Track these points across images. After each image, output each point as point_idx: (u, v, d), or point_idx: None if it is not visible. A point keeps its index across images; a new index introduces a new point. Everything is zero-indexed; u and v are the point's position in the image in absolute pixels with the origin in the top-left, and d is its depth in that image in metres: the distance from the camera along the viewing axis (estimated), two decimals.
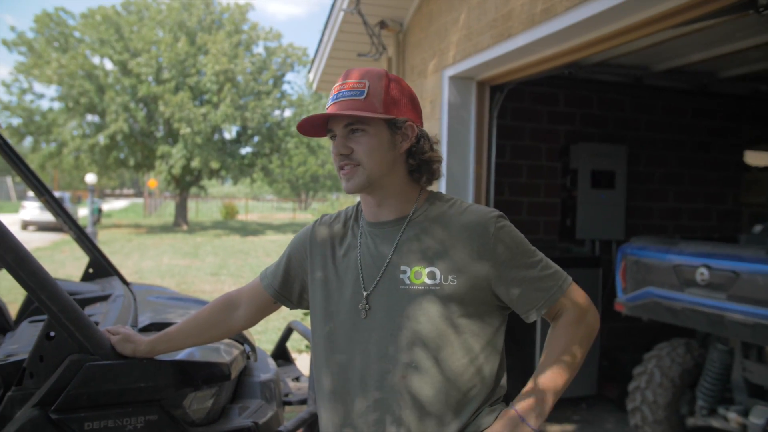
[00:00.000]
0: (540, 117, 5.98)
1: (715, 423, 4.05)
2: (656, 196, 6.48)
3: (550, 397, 1.50)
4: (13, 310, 3.26)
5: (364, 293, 1.57)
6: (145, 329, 2.28)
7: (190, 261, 16.29)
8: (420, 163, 1.59)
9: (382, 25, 5.48)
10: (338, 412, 1.60)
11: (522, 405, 1.50)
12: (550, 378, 1.52)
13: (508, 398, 1.62)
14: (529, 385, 1.53)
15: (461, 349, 1.53)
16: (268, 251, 19.59)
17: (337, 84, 1.57)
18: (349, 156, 1.54)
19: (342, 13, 5.53)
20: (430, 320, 1.51)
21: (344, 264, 1.64)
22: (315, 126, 1.60)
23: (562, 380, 1.53)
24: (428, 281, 1.53)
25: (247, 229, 30.08)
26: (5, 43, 28.04)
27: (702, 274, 3.76)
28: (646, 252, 4.31)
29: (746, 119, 6.70)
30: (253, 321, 1.87)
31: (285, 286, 1.79)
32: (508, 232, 1.56)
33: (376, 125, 1.53)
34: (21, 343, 2.30)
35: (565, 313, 1.59)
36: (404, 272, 1.55)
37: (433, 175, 1.63)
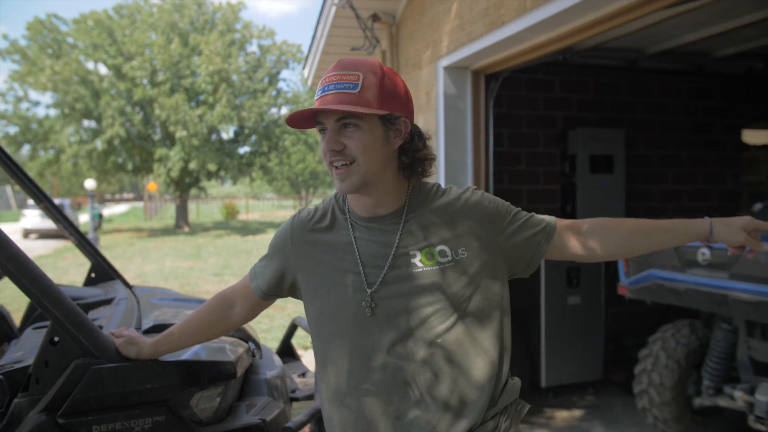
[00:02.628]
0: (536, 104, 5.97)
1: (722, 402, 4.06)
2: (655, 179, 6.48)
3: None
4: (17, 318, 3.26)
5: (368, 291, 1.53)
6: (150, 331, 2.28)
7: (192, 262, 16.31)
8: (413, 160, 1.56)
9: (375, 18, 5.47)
10: (349, 408, 1.57)
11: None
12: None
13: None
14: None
15: (487, 318, 1.58)
16: None
17: (329, 74, 1.49)
18: (341, 152, 1.48)
19: (334, 8, 5.52)
20: (448, 294, 1.53)
21: (339, 261, 1.58)
22: (305, 118, 1.51)
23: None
24: (441, 260, 1.54)
25: (248, 229, 30.08)
26: None
27: (703, 254, 3.76)
28: None
29: (742, 98, 6.69)
30: (251, 316, 1.85)
31: (272, 287, 1.74)
32: (487, 196, 1.64)
33: (369, 120, 1.47)
34: (26, 350, 2.30)
35: (584, 223, 1.68)
36: (414, 256, 1.54)
37: (425, 173, 1.60)
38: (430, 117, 4.75)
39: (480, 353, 1.54)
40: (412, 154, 1.56)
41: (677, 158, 6.56)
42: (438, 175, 4.60)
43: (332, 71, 1.49)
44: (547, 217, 1.69)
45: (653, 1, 2.98)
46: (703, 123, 6.62)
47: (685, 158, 6.59)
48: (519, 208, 1.68)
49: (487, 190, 4.65)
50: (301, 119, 1.52)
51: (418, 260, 1.53)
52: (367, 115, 1.46)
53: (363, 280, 1.54)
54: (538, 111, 5.98)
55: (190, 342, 1.90)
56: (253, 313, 1.84)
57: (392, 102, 1.50)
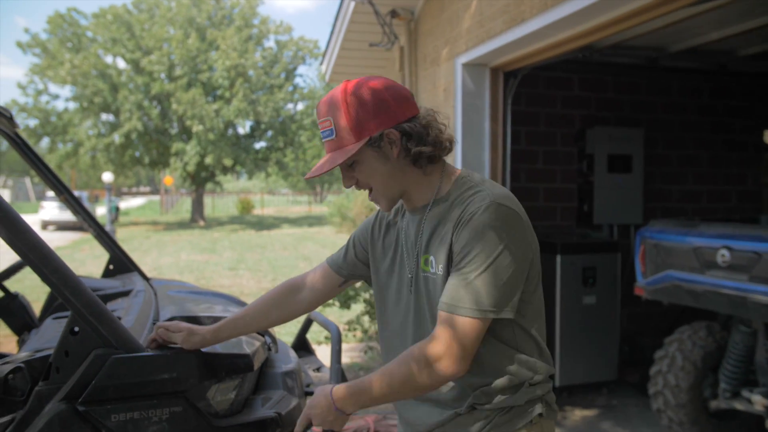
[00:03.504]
0: (555, 102, 5.94)
1: (739, 406, 4.02)
2: (674, 179, 6.43)
3: (365, 393, 1.55)
4: (36, 308, 3.30)
5: (408, 276, 1.67)
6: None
7: (208, 256, 16.39)
8: (414, 156, 1.59)
9: (394, 14, 5.46)
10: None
11: (341, 388, 1.56)
12: (379, 375, 1.55)
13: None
14: (366, 376, 1.58)
15: None
16: (285, 245, 19.67)
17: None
18: (358, 185, 1.64)
19: (353, 3, 5.51)
20: (434, 307, 1.57)
21: (391, 247, 1.75)
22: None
23: (380, 390, 1.53)
24: (431, 269, 1.61)
25: (263, 224, 30.20)
26: (20, 45, 28.30)
27: (723, 255, 3.73)
28: (665, 235, 4.27)
29: (765, 98, 6.61)
30: (315, 304, 1.95)
31: (355, 266, 1.88)
32: (481, 222, 1.48)
33: (360, 153, 1.56)
34: (46, 339, 2.33)
35: (431, 336, 1.51)
36: (420, 258, 1.65)
37: (436, 156, 1.61)
38: (448, 114, 4.72)
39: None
40: (410, 151, 1.58)
41: (697, 158, 6.50)
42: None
43: (318, 119, 1.62)
44: (460, 305, 1.49)
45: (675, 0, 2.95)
46: (724, 123, 6.55)
47: (704, 158, 6.53)
48: (490, 267, 1.47)
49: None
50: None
51: (422, 262, 1.64)
52: (356, 150, 1.55)
53: (405, 265, 1.69)
54: (556, 109, 5.95)
55: (252, 326, 1.96)
56: (318, 301, 1.95)
57: (368, 125, 1.54)
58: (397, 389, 1.52)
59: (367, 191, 1.66)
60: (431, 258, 1.60)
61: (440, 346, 1.47)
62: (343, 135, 1.55)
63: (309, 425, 1.62)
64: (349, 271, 1.89)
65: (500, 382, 1.56)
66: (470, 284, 1.46)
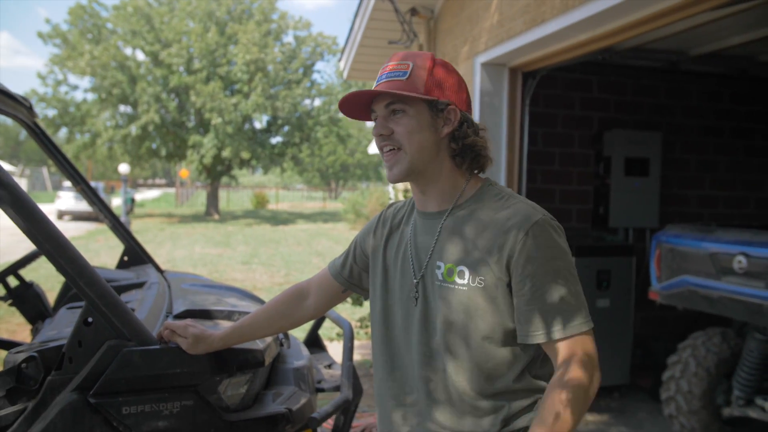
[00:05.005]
0: (573, 104, 5.91)
1: (753, 413, 3.98)
2: (692, 184, 6.37)
3: None
4: (51, 298, 3.32)
5: (414, 281, 1.58)
6: (181, 316, 2.30)
7: (221, 250, 16.46)
8: (462, 147, 1.53)
9: (413, 12, 5.45)
10: (393, 393, 1.63)
11: None
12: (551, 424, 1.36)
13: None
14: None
15: (487, 352, 1.48)
16: (299, 240, 19.71)
17: (384, 65, 1.55)
18: (389, 137, 1.51)
19: (373, 1, 5.51)
20: (459, 320, 1.49)
21: (399, 251, 1.65)
22: (360, 108, 1.59)
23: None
24: (459, 281, 1.49)
25: (277, 219, 30.28)
26: (41, 35, 28.56)
27: (740, 262, 3.69)
28: (681, 240, 4.24)
29: None
30: (323, 310, 1.91)
31: (353, 274, 1.82)
32: (539, 243, 1.42)
33: (416, 106, 1.49)
34: (59, 329, 2.34)
35: (565, 367, 1.39)
36: (439, 268, 1.53)
37: (478, 162, 1.56)
38: (482, 122, 4.71)
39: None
40: (461, 141, 1.53)
41: (715, 164, 6.44)
42: None
43: (387, 62, 1.54)
44: (568, 324, 1.42)
45: (698, 3, 2.92)
46: (744, 128, 6.49)
47: (723, 164, 6.46)
48: (568, 284, 1.43)
49: (519, 188, 4.61)
50: (356, 109, 1.58)
51: (440, 273, 1.53)
52: (414, 100, 1.49)
53: (412, 272, 1.59)
54: (574, 111, 5.91)
55: (259, 334, 1.93)
56: (325, 307, 1.90)
57: (441, 90, 1.50)
58: (576, 425, 1.39)
59: (385, 145, 1.53)
60: (462, 269, 1.48)
61: (583, 371, 1.38)
62: (416, 82, 1.48)
63: None
64: (349, 281, 1.83)
65: (519, 404, 1.50)
66: (572, 301, 1.41)
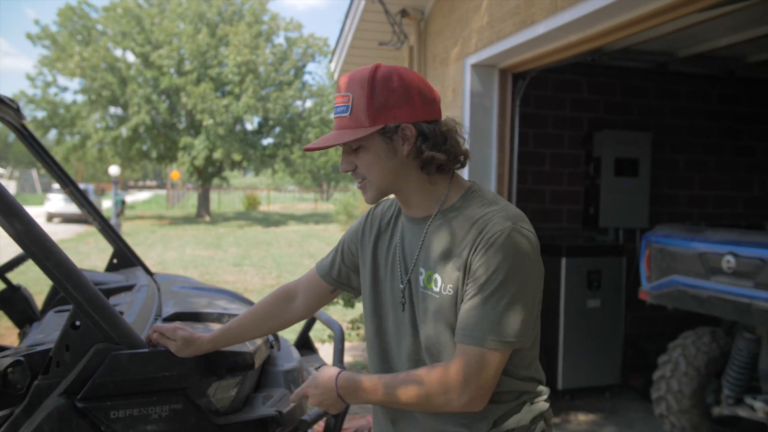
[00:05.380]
0: (563, 104, 5.92)
1: (742, 412, 4.00)
2: (681, 184, 6.40)
3: (368, 399, 1.51)
4: (39, 301, 3.30)
5: (401, 287, 1.58)
6: (170, 318, 2.29)
7: (212, 252, 16.41)
8: (422, 162, 1.50)
9: (404, 13, 5.45)
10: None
11: (346, 379, 1.51)
12: (384, 389, 1.48)
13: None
14: (369, 379, 1.51)
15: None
16: (291, 242, 19.69)
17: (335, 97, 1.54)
18: (354, 171, 1.54)
19: (363, 2, 5.51)
20: (432, 327, 1.50)
21: (389, 254, 1.65)
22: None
23: (384, 399, 1.49)
24: (434, 288, 1.50)
25: (269, 220, 30.23)
26: (29, 36, 28.41)
27: (728, 261, 3.71)
28: (670, 240, 4.25)
29: None
30: (311, 311, 1.89)
31: (341, 274, 1.81)
32: (497, 251, 1.39)
33: (369, 138, 1.47)
34: (47, 333, 2.33)
35: (447, 365, 1.43)
36: (421, 274, 1.54)
37: (443, 169, 1.53)
38: (456, 114, 4.72)
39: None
40: (421, 156, 1.49)
41: (704, 164, 6.47)
42: (462, 173, 4.57)
43: (336, 92, 1.53)
44: (481, 337, 1.41)
45: (688, 4, 2.93)
46: (732, 129, 6.53)
47: (712, 164, 6.50)
48: (509, 299, 1.39)
49: (510, 189, 4.61)
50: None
51: (422, 279, 1.54)
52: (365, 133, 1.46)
53: (399, 276, 1.60)
54: (564, 112, 5.93)
55: (247, 336, 1.93)
56: (313, 308, 1.89)
57: (386, 113, 1.46)
58: (401, 405, 1.48)
59: (358, 180, 1.55)
60: (436, 276, 1.49)
61: (460, 378, 1.40)
62: (359, 115, 1.45)
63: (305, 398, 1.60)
64: (337, 280, 1.81)
65: (506, 406, 1.51)
66: (496, 314, 1.38)
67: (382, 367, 1.65)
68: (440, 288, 1.48)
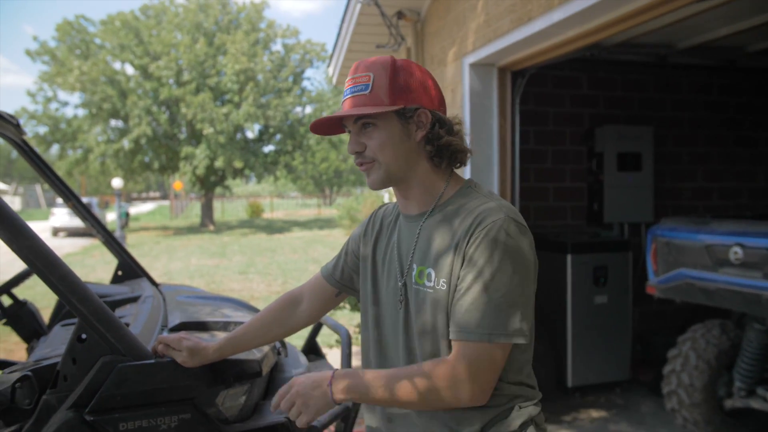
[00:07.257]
0: (563, 101, 5.91)
1: (755, 404, 3.98)
2: (685, 177, 6.38)
3: (369, 391, 1.45)
4: (45, 316, 3.30)
5: (399, 285, 1.57)
6: (176, 328, 2.28)
7: (218, 261, 16.42)
8: (438, 148, 1.52)
9: (400, 15, 5.45)
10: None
11: (342, 386, 1.46)
12: (386, 381, 1.45)
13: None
14: (371, 372, 1.49)
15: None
16: (295, 248, 19.69)
17: (347, 79, 1.54)
18: (362, 153, 1.53)
19: (359, 5, 5.50)
20: (428, 323, 1.49)
21: (386, 253, 1.65)
22: (329, 125, 1.59)
23: (386, 393, 1.44)
24: (427, 283, 1.50)
25: (273, 227, 30.25)
26: (29, 53, 28.53)
27: (736, 253, 3.69)
28: (676, 233, 4.23)
29: None
30: (317, 316, 1.89)
31: (344, 275, 1.81)
32: (489, 241, 1.39)
33: (385, 118, 1.49)
34: (54, 347, 2.32)
35: (454, 361, 1.40)
36: (413, 270, 1.55)
37: (456, 159, 1.57)
38: (456, 115, 4.70)
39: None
40: (435, 142, 1.52)
41: (707, 156, 6.45)
42: (464, 173, 4.57)
43: (349, 76, 1.54)
44: (480, 332, 1.39)
45: None
46: (734, 120, 6.50)
47: (715, 156, 6.48)
48: (505, 290, 1.38)
49: (512, 188, 4.60)
50: (326, 126, 1.59)
51: (415, 275, 1.54)
52: (382, 113, 1.48)
53: (397, 274, 1.59)
54: (564, 108, 5.92)
55: (254, 343, 1.90)
56: (319, 312, 1.88)
57: (406, 95, 1.49)
58: (401, 400, 1.44)
59: (359, 161, 1.55)
60: (429, 271, 1.49)
61: (468, 374, 1.38)
62: (379, 93, 1.47)
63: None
64: (342, 283, 1.81)
65: (495, 410, 1.49)
66: (495, 306, 1.37)
67: (378, 364, 1.65)
68: (434, 283, 1.48)
